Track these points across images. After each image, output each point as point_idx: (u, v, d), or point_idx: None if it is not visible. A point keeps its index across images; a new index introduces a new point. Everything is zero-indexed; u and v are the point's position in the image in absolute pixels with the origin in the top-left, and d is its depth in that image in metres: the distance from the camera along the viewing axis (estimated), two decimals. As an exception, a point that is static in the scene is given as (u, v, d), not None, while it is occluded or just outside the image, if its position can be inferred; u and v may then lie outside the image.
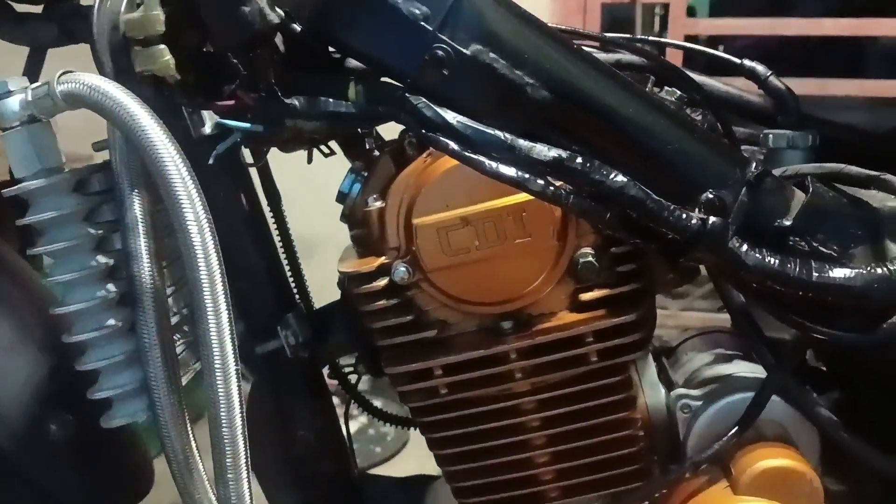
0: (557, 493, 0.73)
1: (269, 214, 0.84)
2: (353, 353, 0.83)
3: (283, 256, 0.85)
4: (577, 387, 0.71)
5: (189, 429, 0.65)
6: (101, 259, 0.63)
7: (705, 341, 0.81)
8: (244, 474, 0.62)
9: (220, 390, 0.60)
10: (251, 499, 0.62)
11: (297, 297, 0.84)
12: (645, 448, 0.72)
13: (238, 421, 0.61)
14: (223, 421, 0.60)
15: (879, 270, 0.60)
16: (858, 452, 0.65)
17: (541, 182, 0.59)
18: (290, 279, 0.85)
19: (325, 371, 0.91)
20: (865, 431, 0.66)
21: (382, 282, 0.70)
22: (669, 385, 0.75)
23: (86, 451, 0.77)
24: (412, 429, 0.98)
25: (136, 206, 0.63)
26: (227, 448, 0.61)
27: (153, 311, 0.63)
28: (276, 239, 0.85)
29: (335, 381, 0.91)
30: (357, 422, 2.43)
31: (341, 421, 0.89)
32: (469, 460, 0.73)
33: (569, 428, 0.71)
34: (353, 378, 0.94)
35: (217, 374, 0.59)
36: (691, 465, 0.66)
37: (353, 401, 0.92)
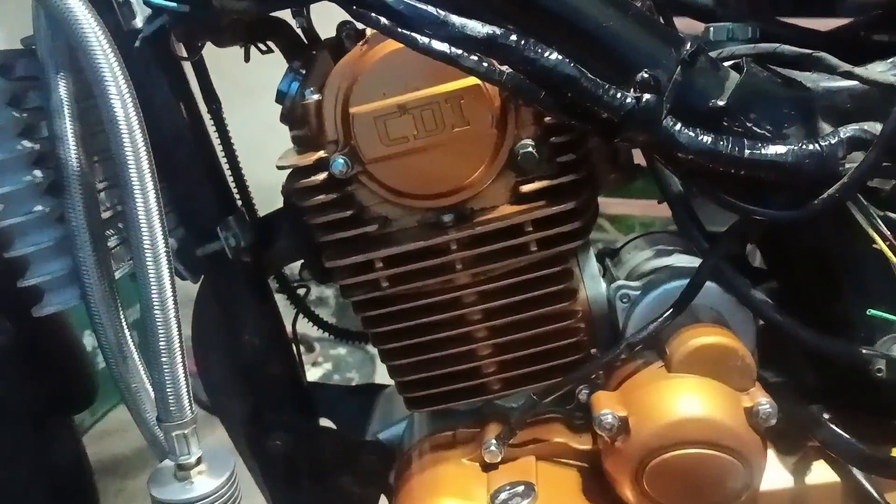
0: (500, 384, 0.74)
1: (210, 125, 0.83)
2: (298, 259, 0.83)
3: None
4: (518, 278, 0.71)
5: (121, 316, 0.64)
6: (27, 144, 0.62)
7: (648, 241, 0.82)
8: (178, 358, 0.61)
9: (149, 271, 0.59)
10: (187, 382, 0.62)
11: (240, 204, 0.84)
12: (585, 339, 0.73)
13: (170, 303, 0.60)
14: (154, 303, 0.60)
15: (811, 146, 0.61)
16: (792, 332, 0.67)
17: (474, 58, 0.59)
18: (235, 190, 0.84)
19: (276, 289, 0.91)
20: (800, 316, 0.68)
21: (321, 176, 0.69)
22: (611, 280, 0.75)
23: (27, 356, 0.76)
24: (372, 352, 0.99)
25: (62, 90, 0.61)
26: (161, 331, 0.60)
27: (81, 196, 0.62)
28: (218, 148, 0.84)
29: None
30: (321, 368, 2.44)
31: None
32: (412, 354, 0.73)
33: (510, 319, 0.72)
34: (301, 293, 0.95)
35: (146, 253, 0.59)
36: (626, 346, 0.67)
37: (300, 313, 0.92)
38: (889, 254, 0.62)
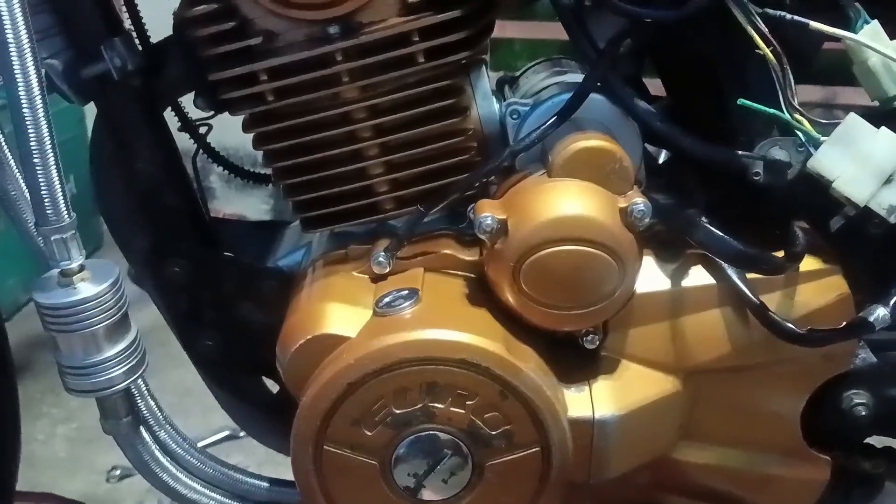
0: (392, 203, 0.74)
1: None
2: (190, 90, 0.81)
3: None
4: (408, 92, 0.71)
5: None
6: None
7: (547, 65, 0.82)
8: (52, 160, 0.61)
9: (14, 65, 0.58)
10: (62, 185, 0.62)
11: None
12: (478, 159, 0.73)
13: (38, 100, 0.59)
14: (22, 101, 0.59)
15: (687, -57, 0.61)
16: (674, 140, 0.68)
17: None
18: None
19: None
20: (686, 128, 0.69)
21: (204, -15, 0.67)
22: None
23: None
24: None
25: None
26: (31, 131, 0.59)
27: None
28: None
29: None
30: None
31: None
32: (304, 173, 0.73)
33: (401, 136, 0.72)
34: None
35: (9, 45, 0.57)
36: (509, 153, 0.67)
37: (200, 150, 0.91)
38: (768, 53, 0.62)
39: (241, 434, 1.51)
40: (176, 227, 0.82)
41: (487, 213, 0.65)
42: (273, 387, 0.88)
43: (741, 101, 0.61)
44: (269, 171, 0.83)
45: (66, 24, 0.75)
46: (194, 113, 0.87)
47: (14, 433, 0.92)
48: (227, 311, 0.83)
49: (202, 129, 0.91)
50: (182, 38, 0.77)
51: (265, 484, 0.81)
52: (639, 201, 0.64)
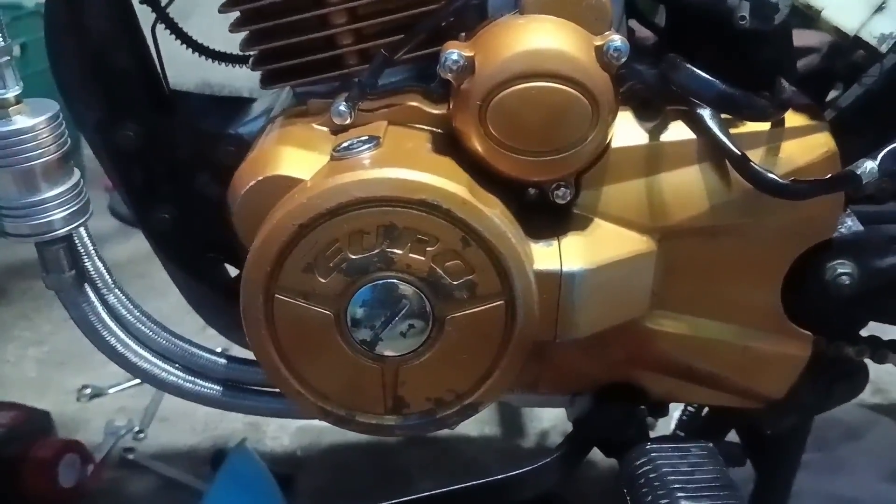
0: (356, 58, 0.70)
1: None
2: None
3: None
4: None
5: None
6: None
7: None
8: None
9: None
10: None
11: None
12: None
13: None
14: None
15: None
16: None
17: None
18: None
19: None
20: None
21: None
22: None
23: None
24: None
25: None
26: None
27: None
28: None
29: None
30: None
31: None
32: (264, 19, 0.68)
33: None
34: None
35: None
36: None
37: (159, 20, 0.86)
38: None
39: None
40: (129, 91, 0.78)
41: (453, 49, 0.60)
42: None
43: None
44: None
45: None
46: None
47: None
48: (183, 181, 0.78)
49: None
50: None
51: (223, 360, 0.78)
52: (616, 38, 0.60)
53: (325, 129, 0.67)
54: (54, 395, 1.46)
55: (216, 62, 0.90)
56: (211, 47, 0.91)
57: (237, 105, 0.87)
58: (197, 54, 0.91)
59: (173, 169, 0.78)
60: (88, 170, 1.34)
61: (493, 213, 0.59)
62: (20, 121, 0.59)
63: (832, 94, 0.77)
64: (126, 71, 0.77)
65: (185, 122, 0.78)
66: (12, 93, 0.59)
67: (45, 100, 0.62)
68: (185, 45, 0.90)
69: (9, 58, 0.59)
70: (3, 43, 0.58)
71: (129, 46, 0.77)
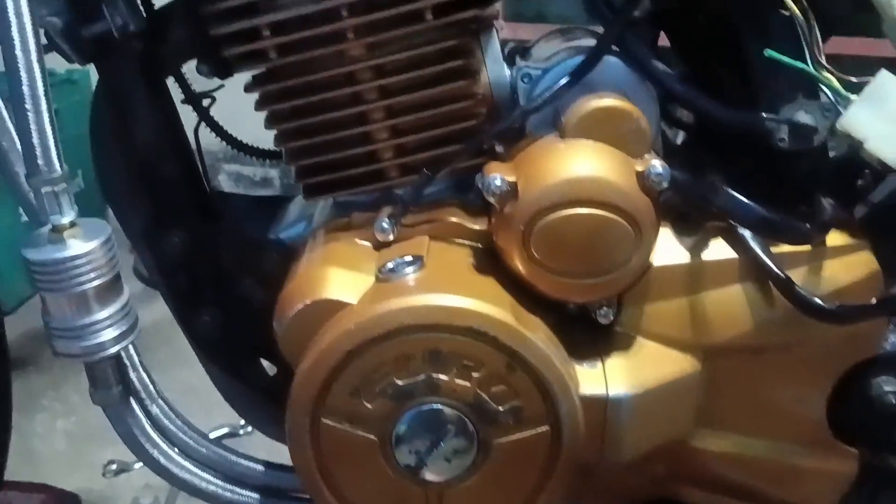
0: (397, 170, 0.71)
1: None
2: (193, 56, 0.79)
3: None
4: (416, 51, 0.68)
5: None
6: None
7: (560, 33, 0.79)
8: (43, 106, 0.58)
9: (7, 6, 0.56)
10: (55, 135, 0.59)
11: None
12: (485, 125, 0.70)
13: (31, 44, 0.57)
14: (16, 43, 0.56)
15: None
16: (695, 103, 0.65)
17: None
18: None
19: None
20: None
21: (206, -62, 0.65)
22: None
23: None
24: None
25: None
26: (23, 75, 0.57)
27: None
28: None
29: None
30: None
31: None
32: (307, 136, 0.70)
33: (407, 98, 0.69)
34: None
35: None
36: (520, 113, 0.64)
37: (202, 121, 0.89)
38: (792, 7, 0.59)
39: (242, 431, 1.49)
40: (175, 198, 0.79)
41: (496, 173, 0.61)
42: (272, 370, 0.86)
43: (768, 51, 0.58)
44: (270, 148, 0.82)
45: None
46: (199, 87, 0.86)
47: (4, 423, 0.90)
48: (226, 286, 0.80)
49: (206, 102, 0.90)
50: (186, 4, 0.76)
51: (261, 467, 0.78)
52: (656, 164, 0.60)
53: (367, 244, 0.68)
54: (83, 470, 1.46)
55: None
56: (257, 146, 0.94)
57: (276, 204, 0.89)
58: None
59: (217, 274, 0.79)
60: (115, 230, 1.37)
61: (538, 338, 0.59)
62: (75, 245, 0.60)
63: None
64: (172, 178, 0.79)
65: (228, 229, 0.79)
66: (67, 218, 0.61)
67: (97, 221, 0.63)
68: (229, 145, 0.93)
69: (65, 185, 0.60)
70: (59, 171, 0.60)
71: (175, 154, 0.79)
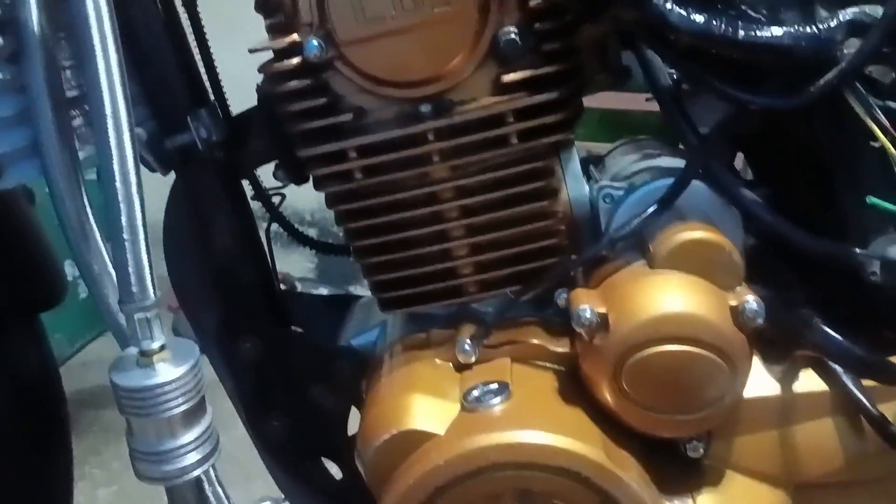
0: (476, 286, 0.71)
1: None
2: (272, 160, 0.80)
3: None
4: (497, 173, 0.68)
5: (83, 192, 0.61)
6: (-17, 6, 0.59)
7: (634, 146, 0.79)
8: (141, 235, 0.59)
9: (110, 137, 0.56)
10: (150, 263, 0.60)
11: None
12: (566, 242, 0.70)
13: (132, 176, 0.58)
14: (116, 174, 0.57)
15: (808, 29, 0.58)
16: (785, 233, 0.64)
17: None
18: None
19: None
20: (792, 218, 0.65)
21: (295, 60, 0.66)
22: (595, 183, 0.72)
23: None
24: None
25: (23, -49, 0.58)
26: (122, 205, 0.58)
27: (43, 64, 0.59)
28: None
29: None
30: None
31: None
32: (386, 252, 0.71)
33: (488, 218, 0.69)
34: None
35: (107, 119, 0.56)
36: (608, 241, 0.64)
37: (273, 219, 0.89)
38: (889, 146, 0.59)
39: (284, 504, 1.47)
40: (249, 303, 0.80)
41: (585, 304, 0.61)
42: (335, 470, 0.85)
43: (871, 199, 0.58)
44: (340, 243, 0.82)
45: (153, 94, 0.74)
46: (268, 180, 0.87)
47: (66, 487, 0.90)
48: (297, 392, 0.79)
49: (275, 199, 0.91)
50: (266, 110, 0.76)
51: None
52: (751, 299, 0.60)
53: (449, 364, 0.68)
54: (123, 544, 1.46)
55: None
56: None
57: (343, 305, 0.89)
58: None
59: (288, 379, 0.79)
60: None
61: (632, 479, 0.58)
62: (164, 371, 0.60)
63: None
64: (247, 283, 0.79)
65: (300, 335, 0.80)
66: (158, 343, 0.61)
67: (186, 343, 0.63)
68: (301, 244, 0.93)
69: (157, 311, 0.61)
70: (153, 298, 0.60)
71: (251, 258, 0.80)
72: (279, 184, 0.83)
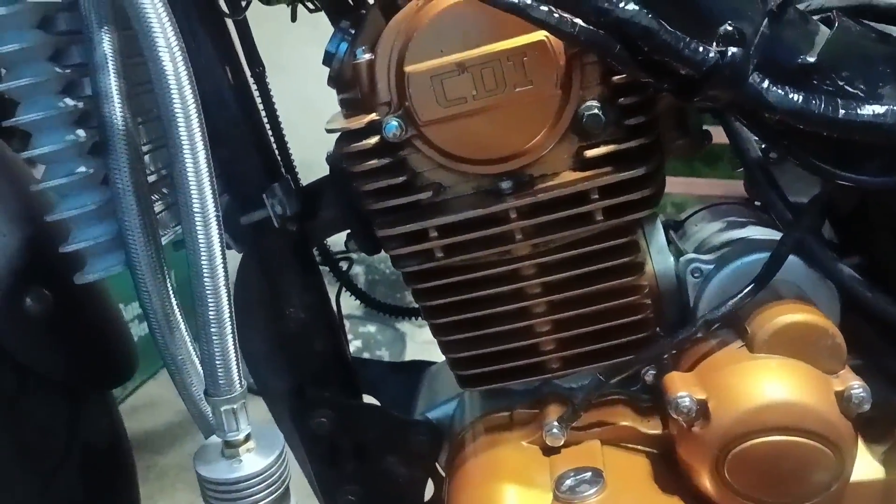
0: (559, 363, 0.69)
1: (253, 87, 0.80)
2: (344, 230, 0.79)
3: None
4: (582, 249, 0.66)
5: (168, 284, 0.61)
6: (70, 102, 0.59)
7: (714, 213, 0.77)
8: (228, 329, 0.58)
9: (199, 235, 0.56)
10: (237, 354, 0.59)
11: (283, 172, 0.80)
12: (652, 316, 0.68)
13: (220, 270, 0.57)
14: (204, 269, 0.56)
15: (910, 106, 0.56)
16: (885, 309, 0.61)
17: (544, 9, 0.54)
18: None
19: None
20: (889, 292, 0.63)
21: (373, 140, 0.65)
22: (679, 253, 0.71)
23: (65, 327, 0.74)
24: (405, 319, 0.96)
25: (106, 44, 0.57)
26: (210, 300, 0.57)
27: (126, 156, 0.58)
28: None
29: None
30: (351, 346, 2.41)
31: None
32: (467, 329, 0.69)
33: (572, 294, 0.67)
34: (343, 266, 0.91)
35: (195, 216, 0.55)
36: (703, 323, 0.62)
37: (343, 287, 0.89)
38: None
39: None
40: (321, 371, 0.79)
41: (684, 392, 0.59)
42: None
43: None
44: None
45: (228, 171, 0.74)
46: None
47: None
48: (372, 463, 0.78)
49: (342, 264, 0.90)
50: (337, 180, 0.76)
51: None
52: (856, 385, 0.57)
53: (536, 448, 0.66)
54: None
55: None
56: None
57: (414, 371, 0.88)
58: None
59: (362, 450, 0.78)
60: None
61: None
62: (251, 462, 0.60)
63: None
64: (320, 354, 0.79)
65: (376, 408, 0.78)
66: (243, 433, 0.60)
67: (271, 430, 0.63)
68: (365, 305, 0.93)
69: (245, 401, 0.60)
70: (240, 389, 0.59)
71: (323, 329, 0.79)
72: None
